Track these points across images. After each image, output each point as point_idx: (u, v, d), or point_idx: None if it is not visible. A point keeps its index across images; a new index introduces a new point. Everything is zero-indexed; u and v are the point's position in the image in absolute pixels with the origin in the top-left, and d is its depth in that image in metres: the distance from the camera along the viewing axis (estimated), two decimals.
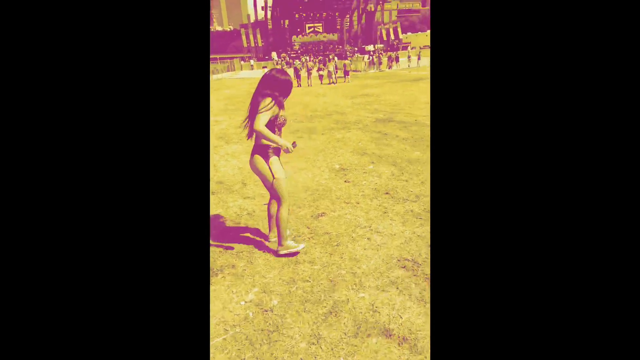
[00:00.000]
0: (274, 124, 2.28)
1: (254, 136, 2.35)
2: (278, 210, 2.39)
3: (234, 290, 2.14)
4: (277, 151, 2.34)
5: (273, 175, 2.31)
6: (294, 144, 2.24)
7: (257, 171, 2.34)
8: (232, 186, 3.96)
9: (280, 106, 2.27)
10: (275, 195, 2.38)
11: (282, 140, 2.21)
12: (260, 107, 2.17)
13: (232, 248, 2.62)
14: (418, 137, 5.58)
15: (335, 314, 1.89)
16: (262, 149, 2.30)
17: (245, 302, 2.04)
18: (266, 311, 1.95)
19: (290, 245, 2.47)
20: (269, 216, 2.60)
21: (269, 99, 2.19)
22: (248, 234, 2.83)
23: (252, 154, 2.34)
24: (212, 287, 2.18)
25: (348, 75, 16.71)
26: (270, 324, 1.85)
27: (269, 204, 2.59)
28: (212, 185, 3.99)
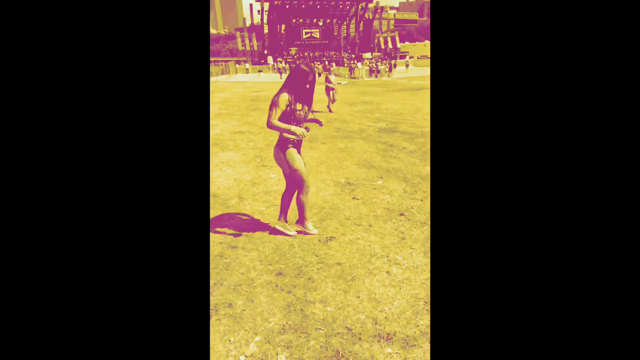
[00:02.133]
0: (292, 117, 2.42)
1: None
2: (298, 196, 2.66)
3: (231, 339, 1.75)
4: (295, 144, 2.51)
5: (290, 167, 2.51)
6: (306, 129, 2.40)
7: (278, 162, 2.58)
8: (227, 201, 3.56)
9: (297, 99, 2.41)
10: (294, 185, 2.64)
11: (294, 127, 2.36)
12: (273, 102, 2.37)
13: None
14: (426, 150, 5.27)
15: None
16: (281, 142, 2.50)
17: (246, 356, 1.65)
18: None
19: (308, 227, 2.80)
20: (282, 202, 2.77)
21: (284, 94, 2.36)
22: (247, 259, 2.44)
23: (275, 147, 2.56)
24: None
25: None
26: None
27: (284, 192, 2.76)
28: None
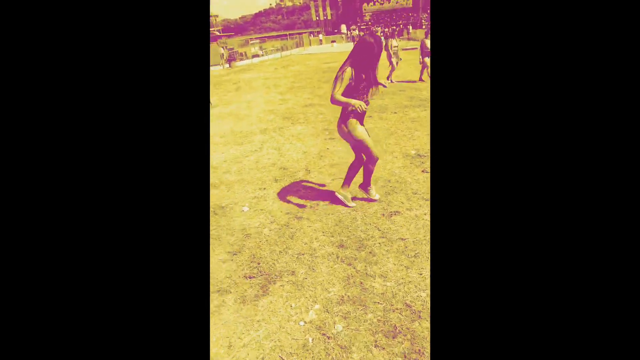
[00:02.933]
0: (358, 90, 2.39)
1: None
2: (365, 164, 2.68)
3: (292, 305, 1.85)
4: (357, 115, 2.48)
5: (354, 138, 2.51)
6: (366, 102, 2.38)
7: (341, 135, 2.59)
8: (295, 173, 3.67)
9: (362, 72, 2.36)
10: (359, 155, 2.67)
11: (354, 100, 2.34)
12: (336, 76, 2.37)
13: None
14: None
15: (418, 356, 1.49)
16: (343, 115, 2.51)
17: (305, 322, 1.73)
18: (329, 338, 1.62)
19: (372, 193, 2.86)
20: (348, 171, 2.77)
21: (348, 68, 2.33)
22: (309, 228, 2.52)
23: (338, 120, 2.58)
24: (269, 298, 1.91)
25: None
26: (332, 358, 1.52)
27: (352, 162, 2.76)
28: (275, 172, 3.75)
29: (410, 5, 46.42)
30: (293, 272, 2.11)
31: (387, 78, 8.79)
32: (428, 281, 1.91)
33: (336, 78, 2.38)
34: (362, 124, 2.54)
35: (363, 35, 2.39)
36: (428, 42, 8.08)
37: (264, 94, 9.02)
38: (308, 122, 5.72)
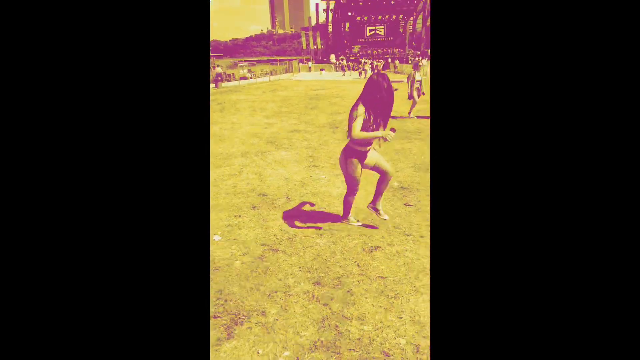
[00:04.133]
0: (367, 129, 2.38)
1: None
2: (346, 196, 2.78)
3: (259, 351, 1.68)
4: (359, 155, 2.52)
5: (351, 175, 2.57)
6: (392, 130, 2.29)
7: (341, 166, 2.63)
8: (275, 200, 3.54)
9: (374, 110, 2.37)
10: (347, 186, 2.72)
11: (379, 132, 2.33)
12: (351, 117, 2.37)
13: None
14: None
15: None
16: (347, 151, 2.53)
17: None
18: None
19: (351, 220, 2.93)
20: (344, 204, 2.86)
21: (360, 106, 2.34)
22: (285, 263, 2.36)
23: (342, 151, 2.61)
24: (233, 343, 1.73)
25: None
26: None
27: (346, 195, 2.80)
28: (253, 198, 3.61)
29: (391, 39, 48.34)
30: (263, 312, 1.94)
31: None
32: (408, 326, 1.78)
33: (351, 118, 2.36)
34: (362, 164, 2.56)
35: (372, 75, 2.41)
36: (417, 75, 8.02)
37: (249, 116, 8.97)
38: (292, 148, 5.65)
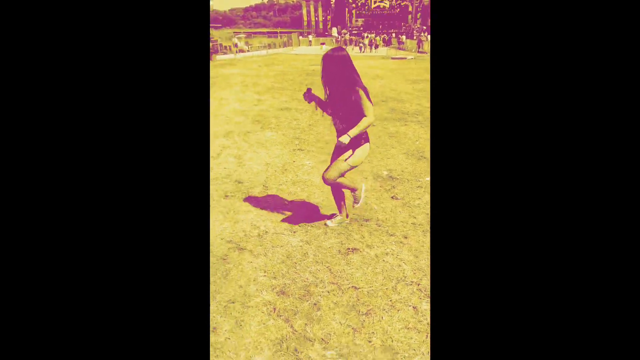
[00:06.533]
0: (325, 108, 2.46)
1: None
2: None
3: None
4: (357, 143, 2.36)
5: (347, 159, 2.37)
6: (309, 91, 2.41)
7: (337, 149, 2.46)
8: (251, 189, 3.24)
9: (332, 93, 2.38)
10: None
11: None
12: (365, 100, 2.22)
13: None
14: None
15: None
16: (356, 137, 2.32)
17: None
18: None
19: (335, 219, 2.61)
20: (335, 198, 2.64)
21: (361, 90, 2.21)
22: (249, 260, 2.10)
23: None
24: None
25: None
26: None
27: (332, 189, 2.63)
28: (227, 185, 3.31)
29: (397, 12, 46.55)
30: (214, 328, 1.68)
31: None
32: (377, 354, 1.53)
33: (357, 97, 2.24)
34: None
35: (327, 50, 2.33)
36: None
37: (240, 92, 8.53)
38: (279, 128, 5.30)
